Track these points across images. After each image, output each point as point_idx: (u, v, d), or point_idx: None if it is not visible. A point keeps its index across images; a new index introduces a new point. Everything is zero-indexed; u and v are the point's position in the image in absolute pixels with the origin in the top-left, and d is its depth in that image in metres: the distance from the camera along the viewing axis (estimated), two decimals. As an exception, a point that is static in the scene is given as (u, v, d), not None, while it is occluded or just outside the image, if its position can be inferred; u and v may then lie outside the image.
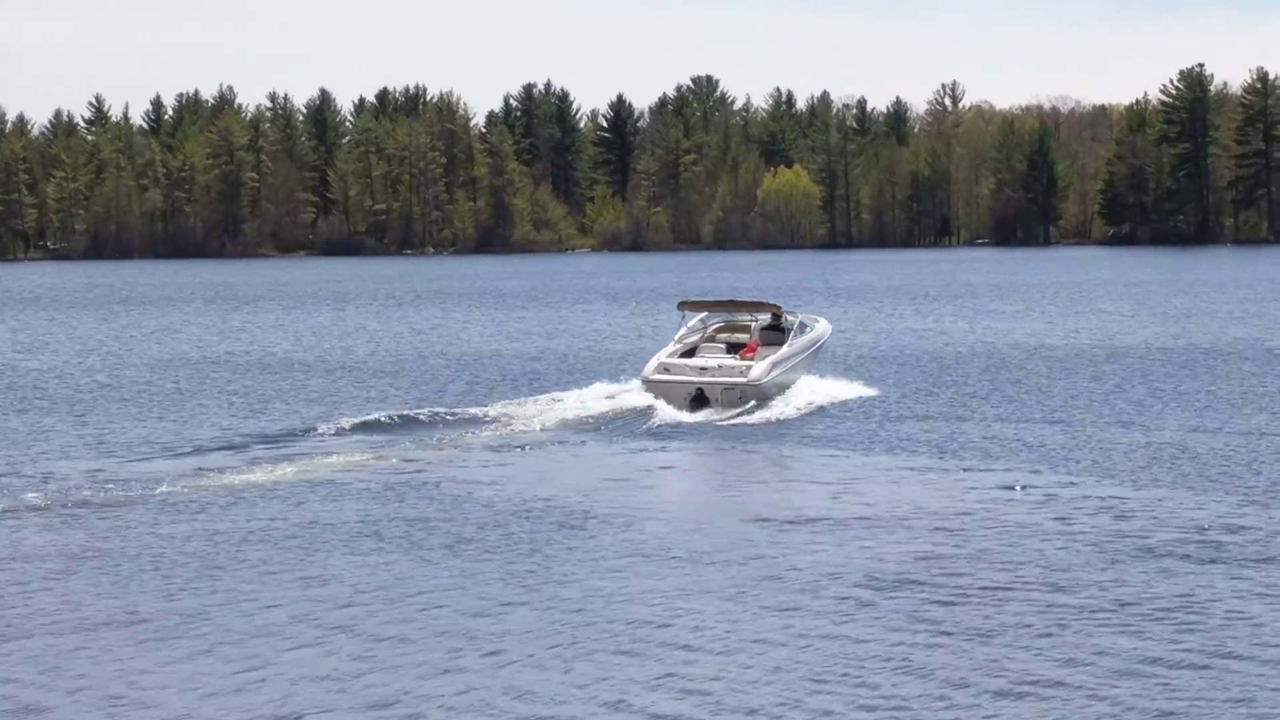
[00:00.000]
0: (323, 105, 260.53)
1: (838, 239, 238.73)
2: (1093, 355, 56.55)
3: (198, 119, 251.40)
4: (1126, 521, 26.14)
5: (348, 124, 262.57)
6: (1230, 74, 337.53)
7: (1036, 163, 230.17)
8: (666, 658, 18.75)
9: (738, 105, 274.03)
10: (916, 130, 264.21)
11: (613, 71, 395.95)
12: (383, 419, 38.96)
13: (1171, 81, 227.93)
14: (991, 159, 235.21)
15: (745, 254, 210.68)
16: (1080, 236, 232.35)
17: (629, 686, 17.74)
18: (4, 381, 52.74)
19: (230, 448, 35.41)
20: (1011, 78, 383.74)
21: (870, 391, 44.30)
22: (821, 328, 47.35)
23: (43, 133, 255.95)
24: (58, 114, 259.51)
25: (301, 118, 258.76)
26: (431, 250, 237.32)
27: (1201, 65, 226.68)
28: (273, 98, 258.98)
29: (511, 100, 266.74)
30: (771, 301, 49.30)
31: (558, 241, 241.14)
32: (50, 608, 21.35)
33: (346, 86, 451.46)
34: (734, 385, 41.71)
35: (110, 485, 30.27)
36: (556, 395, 43.19)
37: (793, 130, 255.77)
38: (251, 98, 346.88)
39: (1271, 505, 27.41)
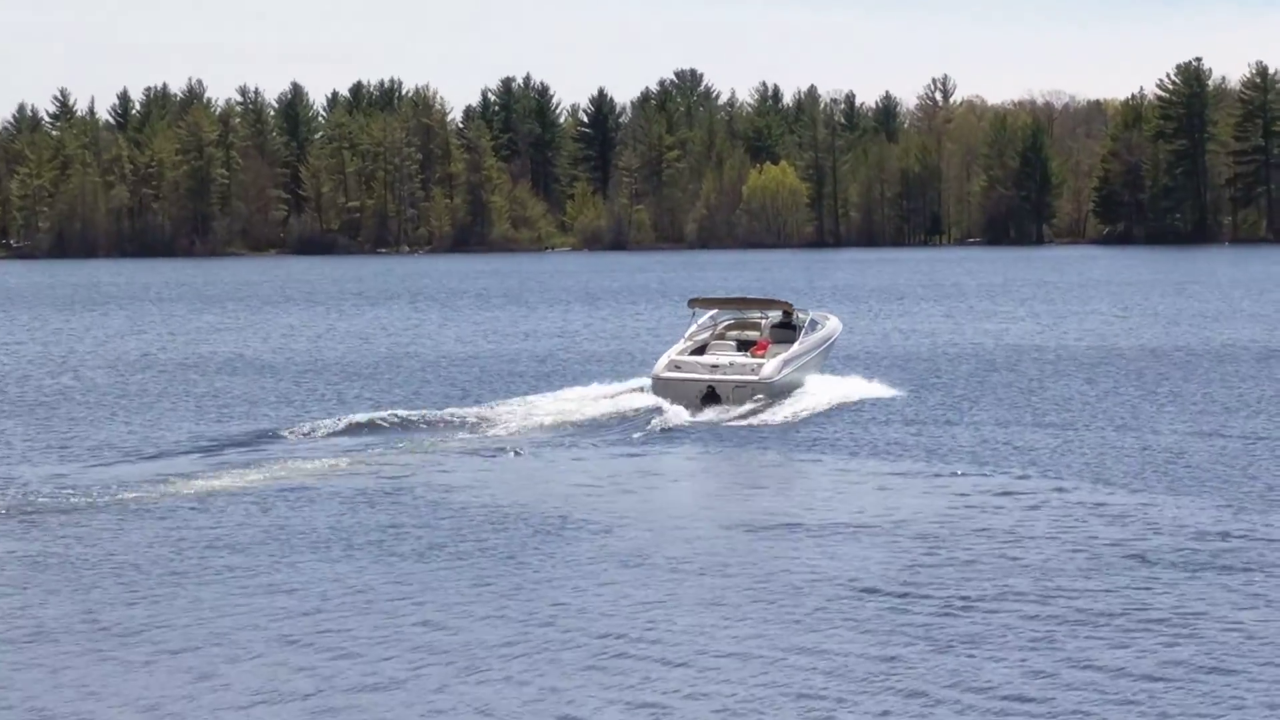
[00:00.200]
0: (295, 99, 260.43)
1: (825, 238, 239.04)
2: (1086, 357, 56.63)
3: (166, 113, 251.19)
4: (1118, 528, 26.17)
5: (320, 119, 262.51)
6: (1229, 68, 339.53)
7: (1029, 159, 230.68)
8: (637, 669, 18.73)
9: (722, 100, 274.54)
10: (906, 126, 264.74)
11: (594, 65, 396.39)
12: (354, 422, 38.90)
13: (1168, 76, 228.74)
14: (983, 156, 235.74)
15: (730, 253, 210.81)
16: (1074, 235, 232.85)
17: (596, 699, 17.73)
18: (-36, 384, 52.61)
19: (196, 452, 35.35)
20: (1004, 72, 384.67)
21: (878, 393, 44.39)
22: (832, 325, 48.14)
23: (6, 128, 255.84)
24: (21, 108, 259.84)
25: (273, 112, 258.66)
26: (407, 249, 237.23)
27: (1199, 59, 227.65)
28: (243, 92, 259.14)
29: (489, 94, 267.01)
30: (782, 299, 49.95)
31: (537, 240, 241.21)
32: (6, 615, 21.29)
33: (319, 80, 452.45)
34: (745, 383, 42.32)
35: (71, 490, 30.20)
36: (535, 398, 43.18)
37: (779, 126, 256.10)
38: (221, 92, 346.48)
39: (1268, 511, 27.45)
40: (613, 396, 43.00)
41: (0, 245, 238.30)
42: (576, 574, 23.36)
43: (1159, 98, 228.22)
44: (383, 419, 39.33)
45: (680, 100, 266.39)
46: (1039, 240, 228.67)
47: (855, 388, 44.79)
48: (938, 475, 31.86)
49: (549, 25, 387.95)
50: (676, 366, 43.22)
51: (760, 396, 41.91)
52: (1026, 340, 64.71)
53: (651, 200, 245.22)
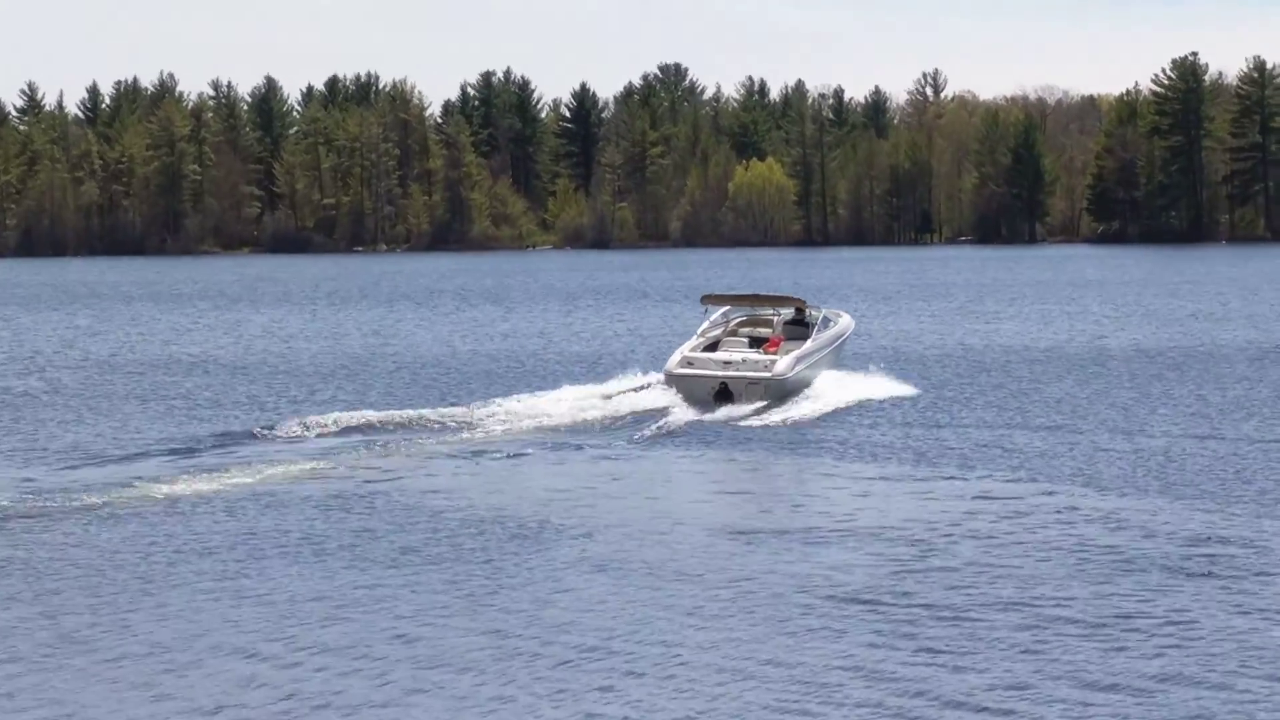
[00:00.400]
0: (268, 94, 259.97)
1: (813, 236, 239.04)
2: (1078, 358, 56.72)
3: (136, 108, 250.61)
4: (1109, 533, 26.23)
5: (295, 114, 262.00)
6: (1225, 63, 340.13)
7: (1022, 156, 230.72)
8: (608, 678, 18.77)
9: (707, 95, 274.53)
10: (896, 122, 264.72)
11: (576, 59, 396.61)
12: (328, 425, 38.89)
13: (1164, 71, 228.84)
14: (975, 152, 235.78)
15: (715, 251, 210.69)
16: (1067, 234, 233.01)
17: (565, 708, 17.77)
18: (-73, 385, 52.55)
19: (165, 455, 35.32)
20: (996, 66, 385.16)
21: (880, 394, 44.52)
22: (845, 323, 49.35)
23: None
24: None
25: (246, 107, 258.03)
26: (384, 247, 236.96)
27: (1195, 54, 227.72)
28: (216, 86, 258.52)
29: (469, 89, 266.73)
30: (795, 296, 51.14)
31: (518, 238, 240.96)
32: (-30, 623, 21.31)
33: (294, 74, 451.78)
34: (758, 380, 43.13)
35: (36, 494, 30.18)
36: (516, 399, 43.16)
37: (765, 121, 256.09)
38: (193, 86, 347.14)
39: (1261, 516, 27.53)
40: (604, 397, 43.13)
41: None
42: (552, 580, 23.39)
43: (1154, 93, 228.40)
44: (357, 421, 39.34)
45: (664, 95, 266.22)
46: (1031, 239, 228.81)
47: (863, 387, 45.18)
48: (924, 479, 31.92)
49: (530, 18, 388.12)
50: (689, 363, 44.09)
51: (772, 393, 42.60)
52: (1017, 341, 64.78)
53: (635, 198, 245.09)
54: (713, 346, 45.68)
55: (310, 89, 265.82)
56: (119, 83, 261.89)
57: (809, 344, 45.38)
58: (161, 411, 44.05)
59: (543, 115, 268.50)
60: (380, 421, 39.38)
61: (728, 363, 43.89)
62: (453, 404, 42.99)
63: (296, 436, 37.68)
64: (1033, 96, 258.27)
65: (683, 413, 41.14)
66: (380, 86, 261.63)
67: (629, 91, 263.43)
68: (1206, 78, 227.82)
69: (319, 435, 37.84)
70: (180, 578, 23.69)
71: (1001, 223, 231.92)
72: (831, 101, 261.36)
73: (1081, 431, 38.13)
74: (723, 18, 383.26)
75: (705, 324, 47.60)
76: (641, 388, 44.31)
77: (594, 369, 52.70)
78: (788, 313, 47.97)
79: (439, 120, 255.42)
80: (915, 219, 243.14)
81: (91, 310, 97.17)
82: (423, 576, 23.65)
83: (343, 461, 34.09)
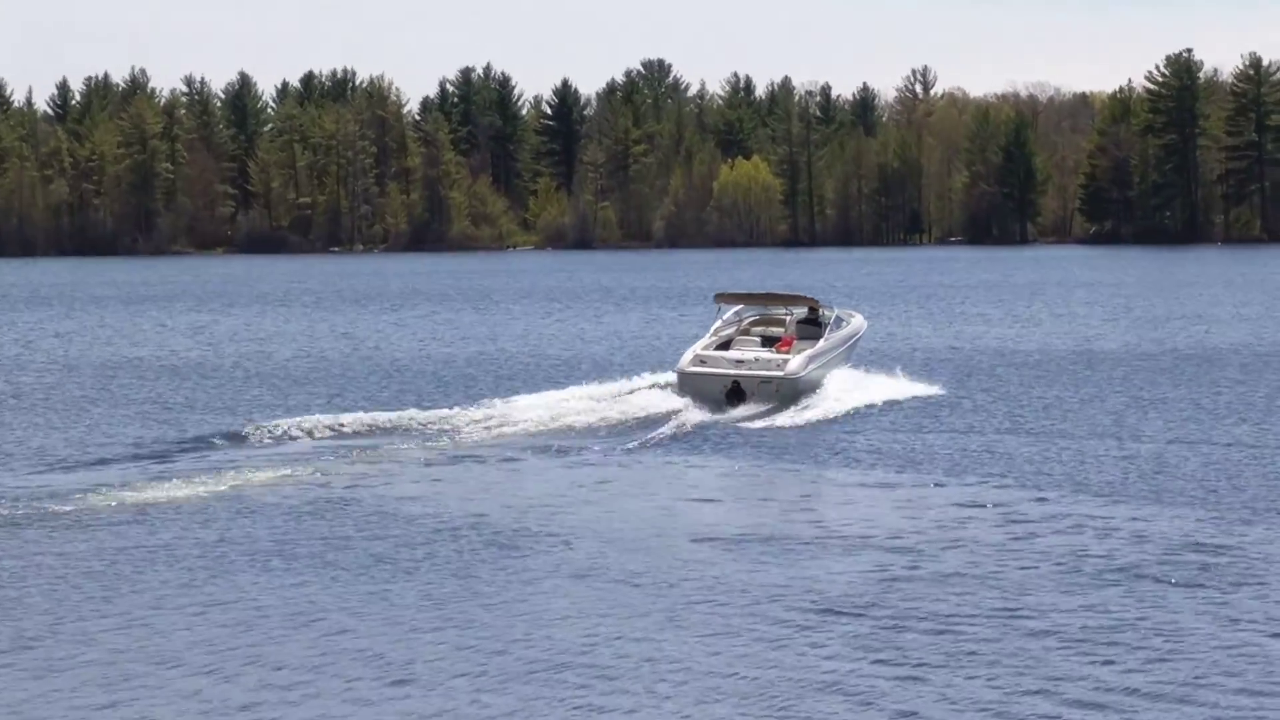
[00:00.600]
0: (242, 90, 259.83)
1: (800, 236, 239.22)
2: (1069, 362, 56.78)
3: (107, 104, 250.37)
4: (1097, 541, 26.23)
5: (270, 110, 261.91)
6: (1220, 59, 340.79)
7: (1013, 155, 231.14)
8: (580, 689, 18.72)
9: (692, 92, 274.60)
10: (885, 119, 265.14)
11: (558, 55, 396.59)
12: (301, 429, 38.82)
13: (1158, 67, 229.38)
14: (965, 151, 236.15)
15: (700, 252, 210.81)
16: (1059, 234, 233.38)
17: (540, 717, 17.75)
18: (-110, 388, 52.43)
19: (135, 460, 35.25)
20: (987, 63, 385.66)
21: (883, 394, 44.64)
22: (857, 323, 50.23)
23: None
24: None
25: (219, 103, 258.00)
26: (361, 247, 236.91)
27: (1190, 50, 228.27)
28: (188, 82, 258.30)
29: (448, 85, 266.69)
30: (808, 295, 51.80)
31: (498, 238, 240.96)
32: (-71, 633, 21.25)
33: (268, 70, 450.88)
34: (770, 378, 43.74)
35: (0, 500, 30.08)
36: (496, 403, 43.09)
37: (751, 119, 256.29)
38: (165, 81, 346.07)
39: (1253, 523, 27.54)
40: (594, 400, 43.16)
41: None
42: (528, 588, 23.34)
43: (1148, 90, 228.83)
44: (332, 425, 39.26)
45: (648, 92, 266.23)
46: (1023, 239, 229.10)
47: (875, 388, 45.51)
48: (911, 485, 31.92)
49: (510, 13, 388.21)
50: (701, 361, 44.67)
51: (784, 392, 43.20)
52: (1006, 345, 64.85)
53: (618, 197, 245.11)
54: (725, 345, 46.26)
55: (285, 85, 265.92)
56: (89, 78, 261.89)
57: (821, 343, 45.98)
58: (130, 415, 43.96)
59: (523, 112, 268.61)
60: (356, 425, 39.31)
61: (740, 361, 44.46)
62: (431, 408, 42.82)
63: (269, 441, 37.61)
64: (1024, 94, 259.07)
65: (690, 415, 41.41)
66: (357, 82, 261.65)
67: (612, 88, 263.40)
68: (1201, 74, 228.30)
69: (292, 440, 37.77)
70: (145, 585, 23.63)
71: (992, 223, 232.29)
72: (819, 99, 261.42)
73: (1072, 436, 38.14)
74: (707, 12, 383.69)
75: (718, 322, 48.23)
76: (633, 391, 44.49)
77: (572, 373, 52.62)
78: (801, 312, 48.64)
79: (417, 117, 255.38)
80: (904, 219, 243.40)
81: (59, 312, 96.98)
82: (394, 585, 23.60)
83: (316, 467, 34.01)
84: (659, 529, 28.00)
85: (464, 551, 25.84)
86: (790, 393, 43.41)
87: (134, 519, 28.62)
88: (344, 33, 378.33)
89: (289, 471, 33.48)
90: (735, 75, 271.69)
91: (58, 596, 23.07)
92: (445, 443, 37.49)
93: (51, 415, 44.38)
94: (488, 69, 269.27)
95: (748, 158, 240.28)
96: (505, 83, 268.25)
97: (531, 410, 41.72)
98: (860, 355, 50.35)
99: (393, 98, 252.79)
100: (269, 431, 38.56)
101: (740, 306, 49.50)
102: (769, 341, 46.42)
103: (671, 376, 44.99)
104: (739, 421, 41.10)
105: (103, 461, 35.22)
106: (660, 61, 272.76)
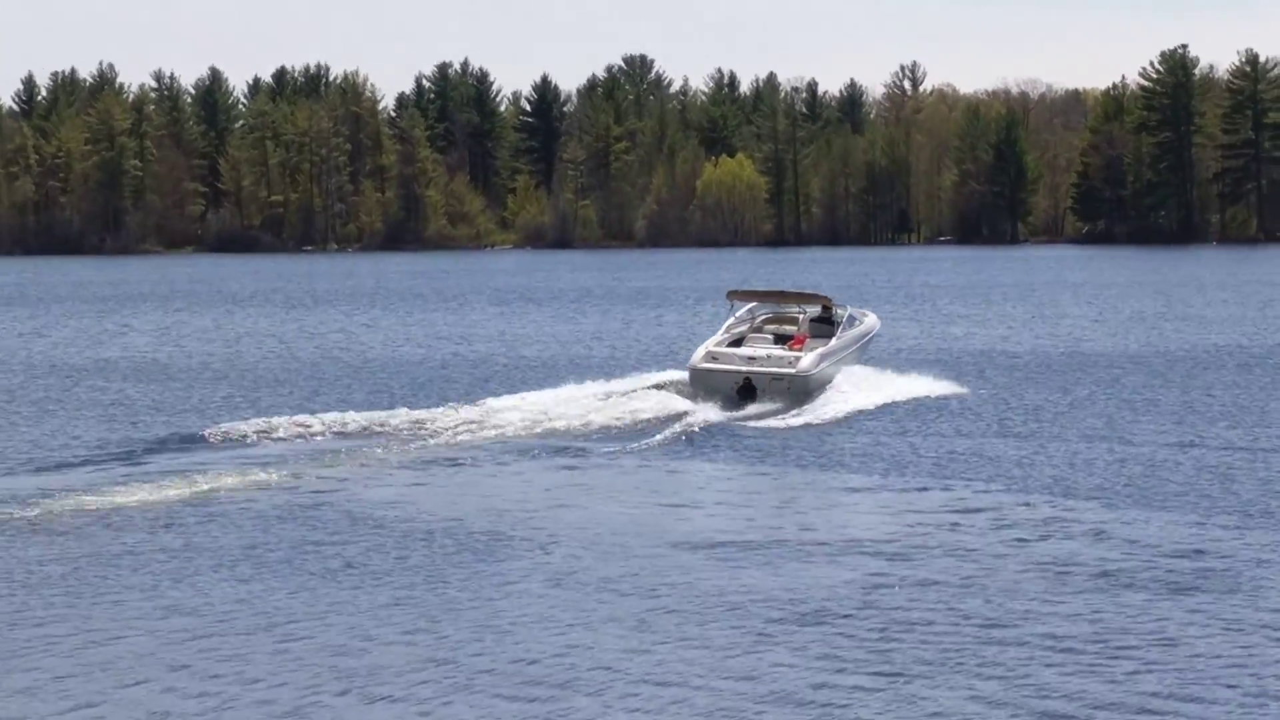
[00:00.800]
0: (213, 86, 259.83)
1: (785, 235, 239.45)
2: (1060, 364, 56.88)
3: (74, 100, 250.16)
4: (1086, 546, 26.25)
5: (241, 106, 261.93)
6: (1216, 56, 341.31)
7: (1003, 153, 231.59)
8: (552, 698, 18.71)
9: (674, 88, 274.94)
10: (872, 116, 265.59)
11: (537, 50, 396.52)
12: (271, 431, 38.76)
13: (1152, 64, 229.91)
14: (955, 149, 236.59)
15: (682, 251, 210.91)
16: (1051, 234, 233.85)
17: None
18: None
19: (100, 463, 35.14)
20: (977, 59, 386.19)
21: (886, 395, 44.82)
22: (870, 322, 51.07)
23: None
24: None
25: (189, 99, 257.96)
26: (334, 247, 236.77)
27: (1185, 46, 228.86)
28: (158, 77, 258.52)
29: (424, 81, 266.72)
30: (822, 294, 52.71)
31: (475, 237, 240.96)
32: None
33: (239, 65, 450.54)
34: (782, 376, 44.35)
35: (-40, 504, 30.05)
36: (473, 404, 43.06)
37: (735, 116, 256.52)
38: (134, 77, 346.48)
39: (1245, 528, 27.57)
40: (559, 405, 43.10)
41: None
42: (500, 594, 23.32)
43: (1142, 87, 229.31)
44: (302, 428, 39.19)
45: (629, 88, 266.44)
46: (1013, 239, 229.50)
47: (887, 387, 45.92)
48: (896, 490, 31.94)
49: (488, 7, 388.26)
50: (713, 358, 45.31)
51: (796, 389, 43.76)
52: (995, 346, 64.97)
53: (598, 195, 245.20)
54: (737, 342, 46.89)
55: (257, 80, 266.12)
56: (56, 74, 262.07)
57: (834, 342, 46.66)
58: (96, 417, 43.87)
59: (502, 109, 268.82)
60: (330, 428, 39.23)
61: (752, 358, 45.08)
62: (407, 409, 42.68)
63: (239, 443, 37.53)
64: (1015, 90, 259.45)
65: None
66: (330, 78, 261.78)
67: (592, 84, 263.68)
68: (1197, 71, 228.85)
69: (262, 443, 37.69)
70: (107, 591, 23.57)
71: (982, 222, 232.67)
72: (805, 95, 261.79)
73: (1062, 440, 38.18)
74: (690, 6, 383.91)
75: (731, 319, 48.87)
76: (631, 392, 44.56)
77: (548, 375, 52.60)
78: (813, 310, 49.40)
79: (392, 114, 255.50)
80: (892, 218, 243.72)
81: (23, 311, 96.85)
82: (364, 590, 23.57)
83: (286, 470, 33.94)
84: (638, 533, 27.97)
85: (436, 556, 25.81)
86: (802, 390, 43.98)
87: (97, 523, 28.55)
88: (317, 27, 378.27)
89: (258, 475, 33.40)
90: (719, 71, 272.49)
91: (17, 601, 23.02)
92: (421, 445, 37.39)
93: (15, 417, 44.29)
94: (465, 64, 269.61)
95: (732, 155, 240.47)
96: (483, 78, 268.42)
97: (511, 412, 41.69)
98: (872, 354, 50.84)
99: (367, 94, 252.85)
100: (237, 434, 38.49)
101: (753, 304, 50.34)
102: (781, 339, 47.00)
103: (682, 373, 45.56)
104: (733, 421, 41.17)
105: (66, 465, 35.14)
106: (642, 57, 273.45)
